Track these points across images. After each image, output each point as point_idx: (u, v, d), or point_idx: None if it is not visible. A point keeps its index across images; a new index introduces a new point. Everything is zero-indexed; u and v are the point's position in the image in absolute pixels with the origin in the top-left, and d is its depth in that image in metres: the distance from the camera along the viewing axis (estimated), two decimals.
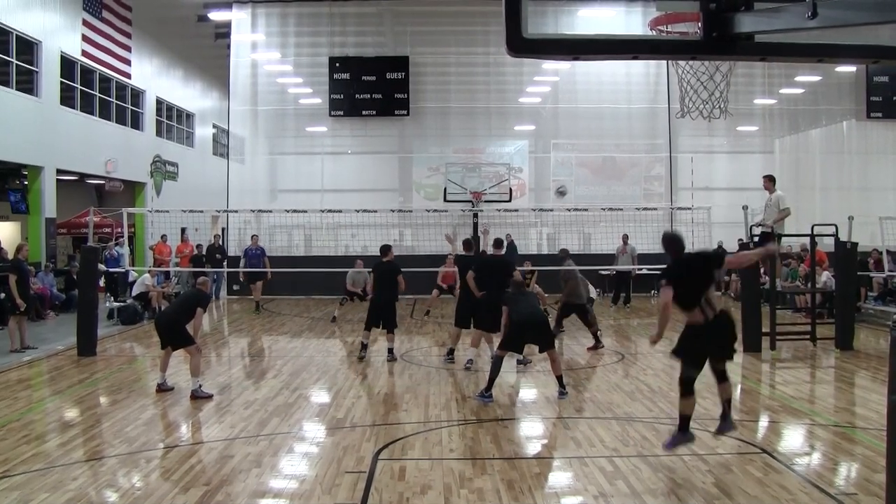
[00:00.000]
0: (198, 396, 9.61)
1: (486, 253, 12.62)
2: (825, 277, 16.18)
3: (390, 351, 12.24)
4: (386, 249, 12.54)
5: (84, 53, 22.61)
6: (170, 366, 10.28)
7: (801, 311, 17.16)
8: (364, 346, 12.34)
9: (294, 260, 22.22)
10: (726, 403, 7.02)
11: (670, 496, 6.04)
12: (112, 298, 18.69)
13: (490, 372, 9.45)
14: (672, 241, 7.14)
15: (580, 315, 13.29)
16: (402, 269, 12.33)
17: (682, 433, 6.87)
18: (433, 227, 21.40)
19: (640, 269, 20.81)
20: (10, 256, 14.05)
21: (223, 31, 25.25)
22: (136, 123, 26.92)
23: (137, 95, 27.01)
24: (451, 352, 12.06)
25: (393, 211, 22.17)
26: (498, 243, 12.05)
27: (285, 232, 23.70)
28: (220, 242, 21.60)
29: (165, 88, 29.23)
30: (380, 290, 12.11)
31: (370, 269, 12.86)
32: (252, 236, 20.42)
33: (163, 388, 10.01)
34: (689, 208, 21.56)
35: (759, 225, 13.32)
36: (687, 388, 6.79)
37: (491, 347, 11.10)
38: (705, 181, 23.82)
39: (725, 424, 7.04)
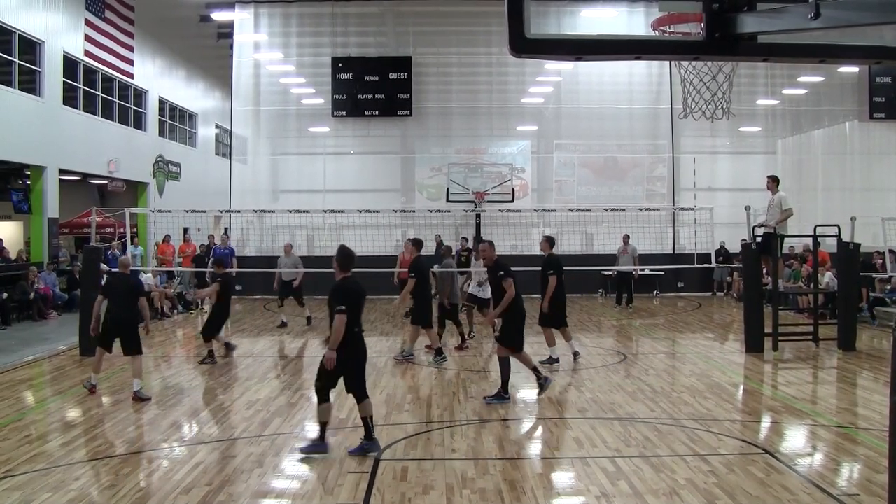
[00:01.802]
0: (141, 398, 9.50)
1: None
2: (827, 278, 16.16)
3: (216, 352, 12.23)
4: (221, 260, 12.88)
5: (87, 53, 22.63)
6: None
7: (803, 311, 17.13)
8: (229, 346, 12.34)
9: None
10: (368, 419, 7.34)
11: (672, 496, 6.04)
12: None
13: (502, 373, 9.35)
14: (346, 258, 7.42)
15: (452, 315, 13.16)
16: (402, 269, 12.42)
17: (321, 441, 7.22)
18: (436, 228, 21.38)
19: (643, 270, 20.80)
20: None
21: (226, 32, 25.26)
22: (139, 123, 26.94)
23: (140, 95, 27.03)
24: (439, 351, 12.09)
25: (395, 211, 22.15)
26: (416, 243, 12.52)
27: (287, 232, 23.67)
28: (215, 244, 21.55)
29: (168, 88, 29.26)
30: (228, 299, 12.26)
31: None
32: (221, 235, 20.19)
33: (94, 390, 9.83)
34: (692, 209, 21.55)
35: (762, 225, 13.31)
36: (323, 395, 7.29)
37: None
38: (708, 182, 23.80)
39: (371, 444, 7.26)
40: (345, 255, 7.40)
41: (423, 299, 12.13)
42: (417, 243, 12.47)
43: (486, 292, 13.51)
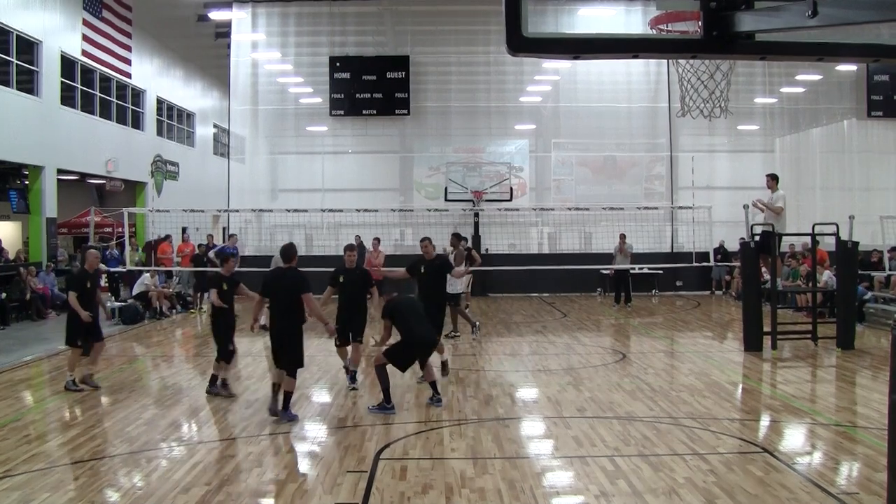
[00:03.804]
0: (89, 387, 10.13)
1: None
2: (826, 276, 16.16)
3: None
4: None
5: (84, 53, 22.61)
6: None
7: (802, 310, 17.13)
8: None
9: None
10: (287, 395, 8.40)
11: (671, 495, 6.04)
12: (113, 298, 18.70)
13: (381, 384, 8.86)
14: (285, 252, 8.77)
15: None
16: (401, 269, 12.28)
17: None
18: (434, 227, 21.37)
19: (642, 269, 20.81)
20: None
21: (223, 31, 25.25)
22: (137, 123, 26.93)
23: (138, 95, 27.02)
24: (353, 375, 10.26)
25: (394, 210, 22.16)
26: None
27: (286, 231, 23.63)
28: (214, 244, 21.51)
29: (166, 88, 29.25)
30: None
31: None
32: (230, 235, 20.01)
33: (74, 389, 10.11)
34: (690, 207, 21.56)
35: (760, 224, 13.30)
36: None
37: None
38: (706, 180, 23.80)
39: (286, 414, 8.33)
40: (282, 250, 8.90)
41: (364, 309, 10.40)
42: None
43: (456, 287, 13.41)
